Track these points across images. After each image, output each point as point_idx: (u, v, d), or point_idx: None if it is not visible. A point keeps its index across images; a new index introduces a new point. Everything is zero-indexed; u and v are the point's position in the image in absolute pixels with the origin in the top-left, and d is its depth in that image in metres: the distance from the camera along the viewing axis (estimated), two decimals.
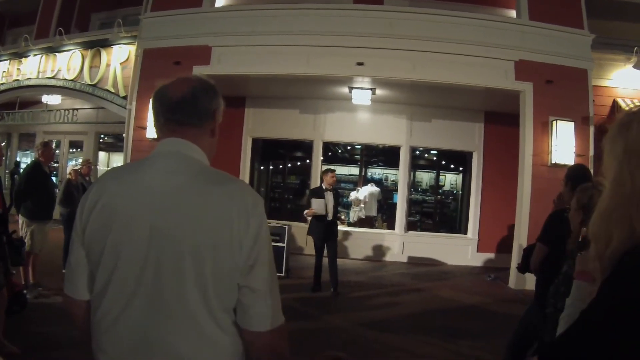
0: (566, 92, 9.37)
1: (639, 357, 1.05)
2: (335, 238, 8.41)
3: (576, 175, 3.66)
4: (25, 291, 6.17)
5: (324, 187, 8.38)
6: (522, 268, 4.08)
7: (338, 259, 8.37)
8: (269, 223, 9.58)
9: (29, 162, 9.40)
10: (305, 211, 8.32)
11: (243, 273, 1.38)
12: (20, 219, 6.76)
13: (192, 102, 1.55)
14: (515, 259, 9.44)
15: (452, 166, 13.69)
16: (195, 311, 1.36)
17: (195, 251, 1.35)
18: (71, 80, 11.97)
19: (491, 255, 12.01)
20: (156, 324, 1.37)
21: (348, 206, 13.12)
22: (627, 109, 8.61)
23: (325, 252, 8.28)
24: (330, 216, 8.23)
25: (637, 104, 9.90)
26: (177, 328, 1.37)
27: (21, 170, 8.23)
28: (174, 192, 1.41)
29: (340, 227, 12.19)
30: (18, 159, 15.20)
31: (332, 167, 9.12)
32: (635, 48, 10.17)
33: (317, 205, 8.17)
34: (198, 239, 1.36)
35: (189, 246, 1.35)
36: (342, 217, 8.51)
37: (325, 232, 8.23)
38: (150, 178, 1.45)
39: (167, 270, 1.36)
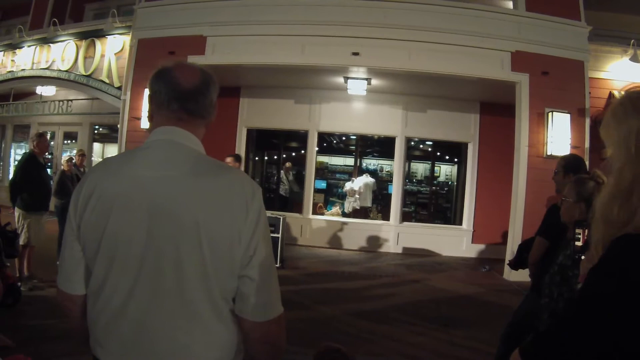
0: (562, 83, 9.36)
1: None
2: None
3: (576, 164, 3.64)
4: (19, 283, 6.14)
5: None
6: (515, 264, 4.03)
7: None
8: None
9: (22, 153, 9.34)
10: None
11: (243, 263, 1.37)
12: (17, 212, 6.71)
13: (205, 94, 1.52)
14: (510, 250, 9.44)
15: (447, 157, 13.69)
16: (196, 300, 1.35)
17: (196, 234, 1.33)
18: (65, 71, 11.93)
19: (486, 247, 12.04)
20: (157, 314, 1.36)
21: (343, 197, 13.16)
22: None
23: None
24: None
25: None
26: (177, 318, 1.36)
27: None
28: (172, 180, 1.38)
29: (335, 218, 12.28)
30: None
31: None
32: (632, 40, 10.17)
33: None
34: (199, 218, 1.33)
35: (190, 226, 1.33)
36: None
37: None
38: (146, 167, 1.41)
39: (167, 258, 1.34)
